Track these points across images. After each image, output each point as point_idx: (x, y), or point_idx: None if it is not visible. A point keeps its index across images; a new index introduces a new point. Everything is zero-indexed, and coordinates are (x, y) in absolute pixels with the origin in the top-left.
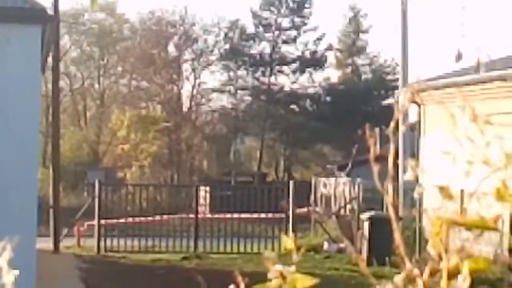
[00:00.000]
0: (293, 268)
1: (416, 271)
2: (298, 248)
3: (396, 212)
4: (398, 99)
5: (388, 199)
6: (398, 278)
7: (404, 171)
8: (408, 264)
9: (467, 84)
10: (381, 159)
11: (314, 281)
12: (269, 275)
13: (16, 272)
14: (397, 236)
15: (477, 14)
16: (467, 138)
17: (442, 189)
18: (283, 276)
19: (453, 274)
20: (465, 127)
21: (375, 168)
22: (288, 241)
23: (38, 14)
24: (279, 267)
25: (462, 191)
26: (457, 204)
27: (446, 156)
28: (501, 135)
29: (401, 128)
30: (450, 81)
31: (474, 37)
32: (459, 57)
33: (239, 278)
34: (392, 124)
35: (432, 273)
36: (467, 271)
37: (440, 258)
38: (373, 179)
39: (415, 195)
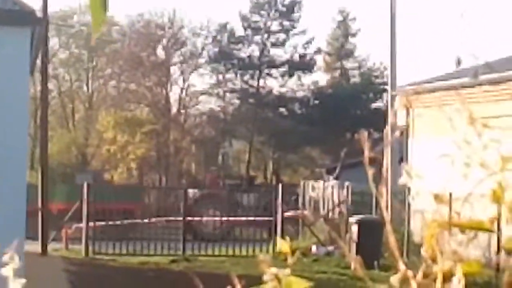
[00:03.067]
0: (288, 270)
1: (410, 272)
2: (293, 251)
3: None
4: (387, 103)
5: (382, 202)
6: (394, 279)
7: (395, 175)
8: (402, 266)
9: (457, 87)
10: (371, 162)
11: (308, 284)
12: (264, 278)
13: (23, 280)
14: (391, 239)
15: (473, 17)
16: (459, 141)
17: (436, 196)
18: (278, 279)
19: (446, 277)
20: (458, 130)
21: (370, 171)
22: (283, 244)
23: (27, 16)
24: (274, 269)
25: (450, 194)
26: (447, 207)
27: (445, 159)
28: (497, 138)
29: (394, 132)
30: (441, 84)
31: (471, 40)
32: (458, 63)
33: (236, 280)
34: (386, 128)
35: (425, 276)
36: (461, 274)
37: (434, 261)
38: (361, 183)
39: (410, 199)
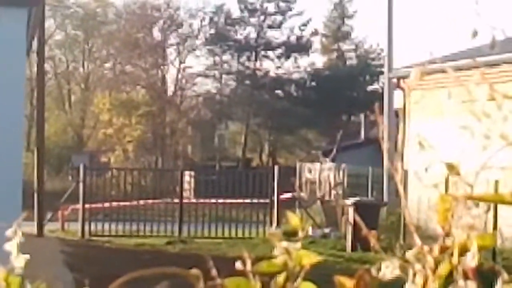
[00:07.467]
0: (298, 244)
1: (426, 248)
2: (290, 233)
3: (381, 198)
4: (384, 85)
5: (397, 177)
6: (410, 254)
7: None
8: (418, 241)
9: (463, 68)
10: (369, 143)
11: (319, 257)
12: (275, 252)
13: (27, 256)
14: (407, 214)
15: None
16: (456, 119)
17: (450, 167)
18: (288, 253)
19: (460, 252)
20: (457, 108)
21: (385, 146)
22: (294, 218)
23: None
24: (284, 243)
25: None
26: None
27: (464, 131)
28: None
29: (405, 110)
30: (438, 67)
31: (487, 17)
32: (474, 35)
33: (246, 255)
34: (403, 103)
35: (441, 251)
36: (476, 248)
37: (447, 235)
38: (357, 165)
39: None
